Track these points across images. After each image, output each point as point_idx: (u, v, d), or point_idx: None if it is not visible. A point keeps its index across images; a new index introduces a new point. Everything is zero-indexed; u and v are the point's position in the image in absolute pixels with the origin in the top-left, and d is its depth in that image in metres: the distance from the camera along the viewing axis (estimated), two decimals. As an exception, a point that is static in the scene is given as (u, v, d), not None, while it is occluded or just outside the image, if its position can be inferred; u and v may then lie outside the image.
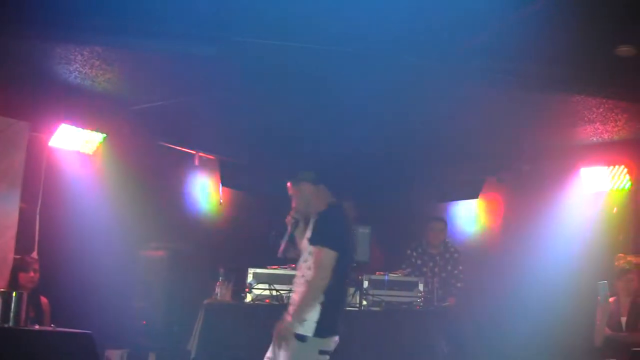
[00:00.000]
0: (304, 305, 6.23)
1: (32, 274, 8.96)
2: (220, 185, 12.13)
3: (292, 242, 6.84)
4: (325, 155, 11.38)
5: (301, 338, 6.19)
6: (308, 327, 6.20)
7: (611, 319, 8.98)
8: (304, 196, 6.79)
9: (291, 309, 6.33)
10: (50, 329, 7.79)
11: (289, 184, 6.92)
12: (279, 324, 6.27)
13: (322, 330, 6.25)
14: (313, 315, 6.22)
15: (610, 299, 9.08)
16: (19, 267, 9.06)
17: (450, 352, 8.74)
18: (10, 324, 7.33)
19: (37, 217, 9.93)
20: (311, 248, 6.38)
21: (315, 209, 6.68)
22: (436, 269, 10.56)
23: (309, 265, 6.34)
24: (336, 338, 6.46)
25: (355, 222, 9.62)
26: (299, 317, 6.20)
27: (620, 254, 9.40)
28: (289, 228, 6.83)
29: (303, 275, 6.40)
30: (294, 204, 6.84)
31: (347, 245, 6.61)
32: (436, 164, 12.45)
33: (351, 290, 8.79)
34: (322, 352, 6.32)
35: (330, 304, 6.30)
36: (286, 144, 11.57)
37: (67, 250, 9.94)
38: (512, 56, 8.09)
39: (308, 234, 6.55)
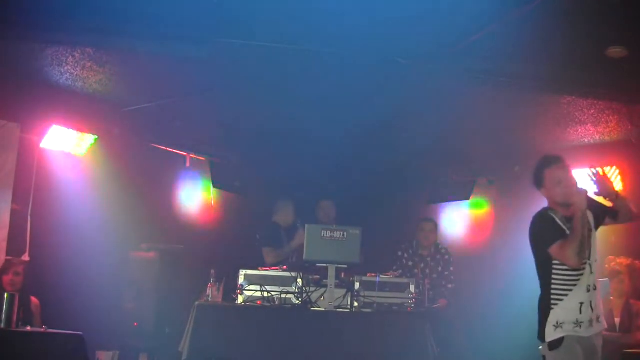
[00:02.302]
0: None
1: (11, 276, 8.92)
2: (211, 186, 12.12)
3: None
4: (316, 155, 11.40)
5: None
6: None
7: (606, 319, 9.00)
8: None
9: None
10: (41, 330, 7.79)
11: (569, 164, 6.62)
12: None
13: None
14: None
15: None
16: (1, 269, 9.04)
17: (441, 354, 8.75)
18: (2, 325, 7.33)
19: (29, 218, 9.92)
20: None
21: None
22: (427, 270, 10.57)
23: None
24: None
25: (341, 223, 9.68)
26: None
27: (611, 256, 9.40)
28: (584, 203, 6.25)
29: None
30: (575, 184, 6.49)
31: None
32: (427, 165, 12.47)
33: (342, 291, 8.80)
34: None
35: None
36: (277, 145, 11.58)
37: (59, 251, 9.93)
38: (503, 57, 8.10)
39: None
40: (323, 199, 11.12)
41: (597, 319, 6.26)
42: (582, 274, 6.20)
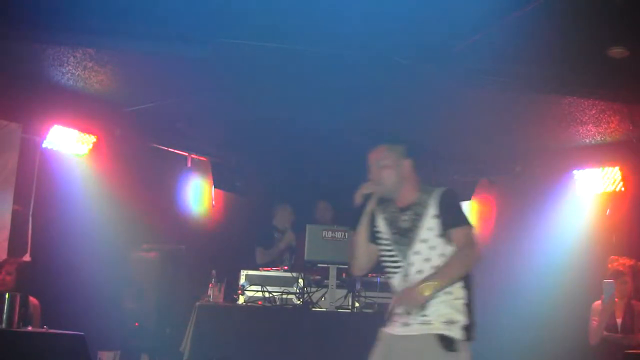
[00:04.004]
0: (453, 276, 5.13)
1: (3, 275, 8.82)
2: (213, 187, 12.11)
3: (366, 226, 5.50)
4: (317, 155, 11.40)
5: (450, 344, 5.09)
6: (457, 330, 5.14)
7: (607, 320, 9.01)
8: (401, 173, 5.50)
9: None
10: (42, 330, 7.77)
11: (381, 150, 5.58)
12: (409, 291, 5.11)
13: (472, 333, 5.21)
14: (462, 318, 5.17)
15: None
16: None
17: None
18: (3, 325, 7.32)
19: (30, 218, 9.92)
20: (449, 233, 5.17)
21: (397, 195, 5.49)
22: (429, 271, 10.55)
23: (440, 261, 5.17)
24: None
25: (341, 223, 9.68)
26: (442, 281, 5.07)
27: (613, 257, 9.39)
28: (371, 204, 5.51)
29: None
30: (378, 176, 5.51)
31: None
32: (428, 165, 12.46)
33: (343, 292, 8.80)
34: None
35: (471, 304, 5.31)
36: (278, 145, 11.59)
37: (60, 251, 9.93)
38: (504, 58, 8.09)
39: (429, 223, 5.25)
40: (319, 200, 11.14)
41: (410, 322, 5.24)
42: (395, 273, 5.38)
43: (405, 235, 5.36)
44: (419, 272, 5.20)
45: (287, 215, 10.83)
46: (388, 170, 5.50)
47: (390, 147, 5.60)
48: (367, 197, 5.53)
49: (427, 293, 5.03)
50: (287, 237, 10.52)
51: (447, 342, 5.10)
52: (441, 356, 5.10)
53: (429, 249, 5.25)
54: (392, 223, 5.47)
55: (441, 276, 5.09)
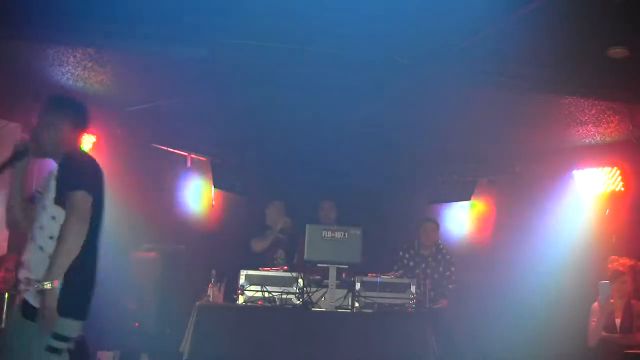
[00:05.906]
0: (61, 262, 5.08)
1: (3, 273, 8.85)
2: (213, 187, 12.10)
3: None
4: (318, 156, 11.40)
5: (28, 311, 5.03)
6: (45, 301, 4.97)
7: (606, 320, 9.01)
8: (57, 136, 5.51)
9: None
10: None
11: (43, 111, 5.52)
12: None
13: (68, 308, 5.09)
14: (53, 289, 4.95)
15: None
16: None
17: (443, 355, 8.73)
18: (3, 325, 7.32)
19: (30, 218, 9.91)
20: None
21: (53, 155, 5.55)
22: (428, 271, 10.55)
23: (51, 226, 5.17)
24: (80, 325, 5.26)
25: (342, 223, 9.67)
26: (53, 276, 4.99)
27: (614, 257, 9.40)
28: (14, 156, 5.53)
29: (41, 247, 5.20)
30: (35, 136, 5.53)
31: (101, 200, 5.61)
32: (428, 165, 12.45)
33: (343, 292, 8.79)
34: (59, 337, 5.08)
35: (78, 279, 5.26)
36: (278, 145, 11.58)
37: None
38: (505, 58, 8.09)
39: (48, 188, 5.32)
40: (324, 200, 11.12)
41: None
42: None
43: (40, 200, 5.37)
44: (38, 239, 5.21)
45: (279, 214, 10.77)
46: (46, 130, 5.47)
47: (53, 109, 5.53)
48: (22, 153, 5.53)
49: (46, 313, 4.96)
50: (283, 222, 10.47)
51: (26, 309, 5.03)
52: (20, 323, 5.05)
53: (48, 217, 5.23)
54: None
55: (51, 274, 5.02)
